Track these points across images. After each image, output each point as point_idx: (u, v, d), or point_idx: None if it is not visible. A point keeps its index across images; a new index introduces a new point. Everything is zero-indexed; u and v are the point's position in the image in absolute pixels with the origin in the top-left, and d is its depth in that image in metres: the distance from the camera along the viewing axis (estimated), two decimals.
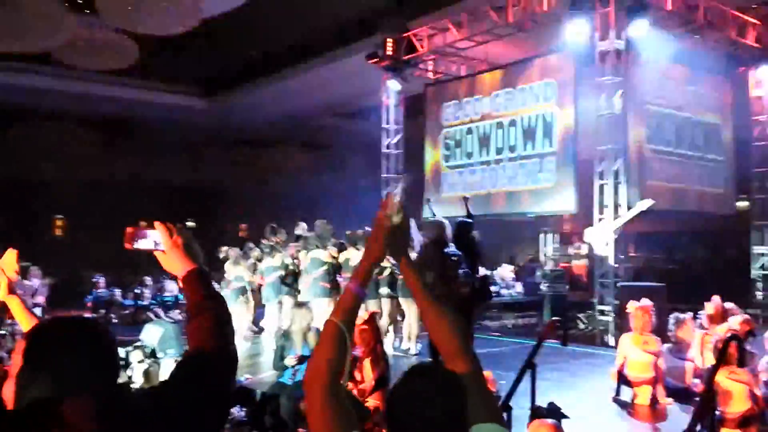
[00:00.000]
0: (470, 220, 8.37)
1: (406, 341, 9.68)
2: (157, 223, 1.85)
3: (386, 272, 9.66)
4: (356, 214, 13.51)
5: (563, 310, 11.30)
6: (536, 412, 3.98)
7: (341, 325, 1.67)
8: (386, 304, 9.65)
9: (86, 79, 16.34)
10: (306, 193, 23.05)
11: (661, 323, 8.37)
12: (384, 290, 9.67)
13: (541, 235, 16.76)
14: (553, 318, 8.69)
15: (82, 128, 19.84)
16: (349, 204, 16.69)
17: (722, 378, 5.67)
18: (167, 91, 18.37)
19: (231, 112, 19.24)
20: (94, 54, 13.67)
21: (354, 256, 9.73)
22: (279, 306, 10.77)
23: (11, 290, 2.44)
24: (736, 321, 6.09)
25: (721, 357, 3.50)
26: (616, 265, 10.62)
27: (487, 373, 5.78)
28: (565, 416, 4.22)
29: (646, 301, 6.76)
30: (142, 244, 1.84)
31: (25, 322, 2.41)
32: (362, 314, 5.81)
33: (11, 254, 2.47)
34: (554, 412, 4.14)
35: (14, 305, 2.42)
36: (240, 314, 11.09)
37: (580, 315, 11.69)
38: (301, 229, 11.24)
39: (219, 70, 17.12)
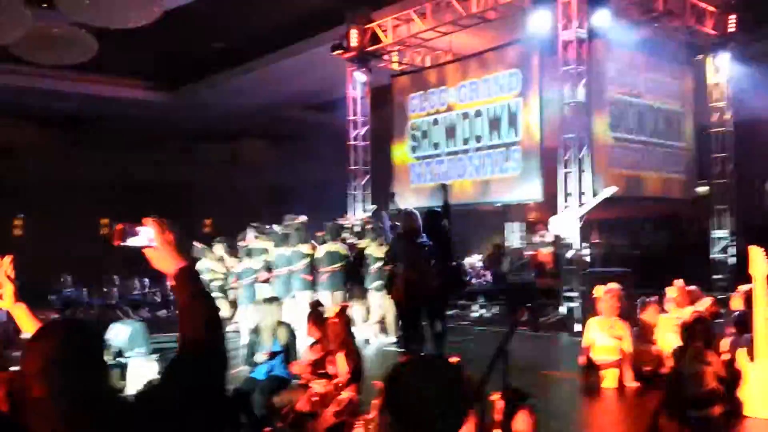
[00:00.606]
0: (439, 210, 8.40)
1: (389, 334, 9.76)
2: (148, 219, 1.81)
3: (376, 266, 9.68)
4: (324, 206, 13.52)
5: (530, 298, 11.42)
6: (506, 397, 4.02)
7: None
8: (376, 298, 9.66)
9: (45, 75, 15.98)
10: (273, 186, 22.94)
11: (629, 308, 8.55)
12: (375, 284, 9.67)
13: (507, 224, 16.93)
14: (525, 305, 8.81)
15: (41, 125, 19.41)
16: (316, 196, 16.66)
17: (688, 359, 5.81)
18: (129, 86, 18.04)
19: (195, 105, 18.99)
20: (52, 49, 13.37)
21: (331, 248, 9.75)
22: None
23: (17, 297, 2.36)
24: (704, 303, 6.22)
25: (688, 339, 3.57)
26: (582, 252, 10.76)
27: (455, 359, 5.83)
28: (529, 396, 4.27)
29: (614, 286, 6.87)
30: (132, 241, 1.79)
31: (31, 329, 2.35)
32: (333, 308, 5.81)
33: (8, 259, 2.42)
34: (519, 396, 4.19)
35: (21, 313, 2.37)
36: None
37: (547, 302, 11.83)
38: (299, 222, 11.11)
39: (181, 64, 16.86)
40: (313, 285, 10.07)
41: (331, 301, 9.56)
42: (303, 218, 11.38)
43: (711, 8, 12.87)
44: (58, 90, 16.87)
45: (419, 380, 1.51)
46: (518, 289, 11.85)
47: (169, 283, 1.83)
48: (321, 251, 10.06)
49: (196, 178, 22.40)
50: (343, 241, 10.64)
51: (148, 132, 20.21)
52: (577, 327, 10.07)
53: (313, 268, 10.15)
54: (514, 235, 16.30)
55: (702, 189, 14.54)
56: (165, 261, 1.79)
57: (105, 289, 13.99)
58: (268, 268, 10.40)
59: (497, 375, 4.24)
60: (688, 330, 3.58)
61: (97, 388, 1.56)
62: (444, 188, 8.61)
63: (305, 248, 10.05)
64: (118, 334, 8.40)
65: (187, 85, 18.37)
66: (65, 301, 13.83)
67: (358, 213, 14.26)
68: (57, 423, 1.50)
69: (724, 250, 13.60)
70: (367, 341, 9.77)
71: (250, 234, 11.31)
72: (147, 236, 1.79)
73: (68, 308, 13.46)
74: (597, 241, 17.34)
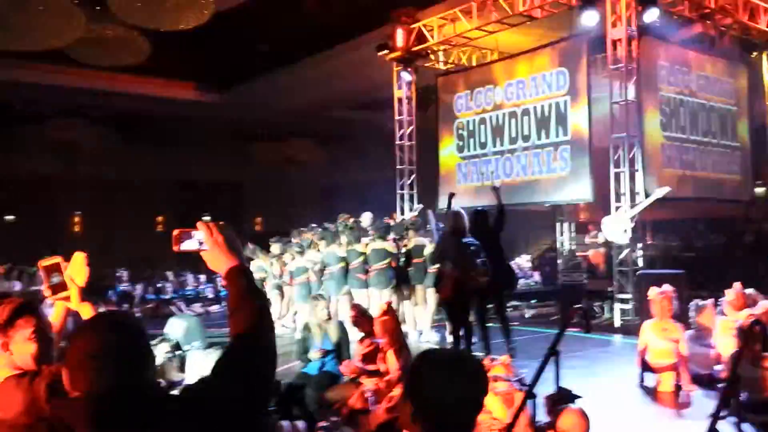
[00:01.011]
0: (486, 209, 8.36)
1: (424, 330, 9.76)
2: (199, 223, 1.88)
3: (384, 262, 9.69)
4: (372, 205, 13.58)
5: (581, 299, 11.28)
6: (552, 398, 4.01)
7: None
8: (387, 295, 9.68)
9: (99, 77, 16.44)
10: (322, 186, 23.17)
11: (682, 310, 8.38)
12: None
13: (558, 225, 16.71)
14: (576, 306, 8.68)
15: (97, 125, 19.97)
16: (365, 195, 16.76)
17: (747, 364, 5.68)
18: (180, 87, 18.43)
19: (245, 106, 19.30)
20: (105, 50, 13.77)
21: (377, 246, 9.85)
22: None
23: (83, 297, 2.41)
24: (762, 307, 6.07)
25: (745, 342, 3.50)
26: (635, 253, 10.59)
27: (504, 358, 5.82)
28: (578, 397, 4.25)
29: (667, 287, 6.75)
30: (187, 245, 1.87)
31: None
32: (381, 305, 5.85)
33: (80, 258, 2.42)
34: (567, 396, 4.17)
35: (86, 312, 2.36)
36: None
37: (599, 304, 11.66)
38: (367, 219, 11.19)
39: (231, 65, 17.14)
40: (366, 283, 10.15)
41: (380, 298, 9.68)
42: (367, 215, 11.48)
43: (764, 4, 12.51)
44: (113, 90, 17.33)
45: (440, 372, 1.58)
46: (569, 290, 11.74)
47: (222, 282, 1.88)
48: (368, 249, 10.11)
49: (247, 177, 22.80)
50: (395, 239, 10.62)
51: (201, 132, 20.64)
52: (631, 329, 9.92)
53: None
54: (564, 236, 16.07)
55: (760, 189, 14.15)
56: (217, 261, 1.85)
57: (159, 285, 14.31)
58: (322, 266, 10.49)
59: (549, 375, 4.25)
60: (745, 334, 3.50)
61: (136, 382, 1.58)
62: (495, 190, 8.54)
63: (360, 247, 10.09)
64: (175, 328, 8.65)
65: (237, 86, 18.68)
66: (121, 296, 14.20)
67: (405, 212, 14.28)
68: (90, 417, 1.53)
69: None
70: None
71: (304, 233, 11.43)
72: (199, 239, 1.86)
73: (123, 303, 13.84)
74: (651, 242, 17.03)
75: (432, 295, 9.58)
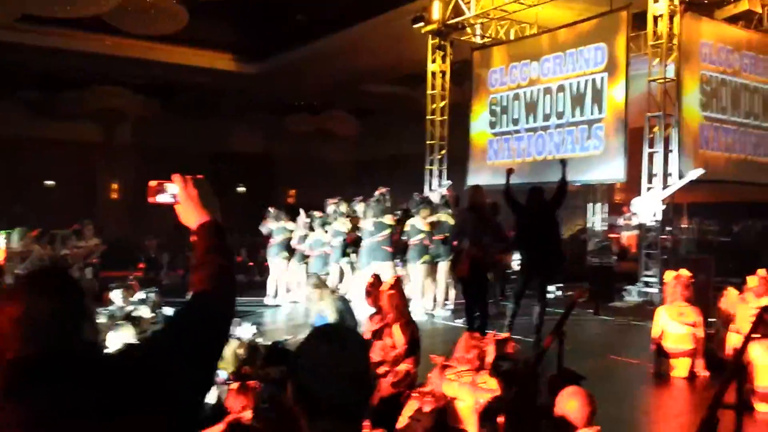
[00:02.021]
0: (541, 187, 8.11)
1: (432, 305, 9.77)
2: (174, 176, 1.85)
3: (418, 237, 9.63)
4: (405, 180, 13.54)
5: (608, 281, 11.08)
6: (555, 380, 3.94)
7: None
8: (421, 270, 9.63)
9: (136, 45, 16.61)
10: (357, 159, 23.15)
11: (708, 295, 8.17)
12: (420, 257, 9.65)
13: (589, 205, 16.43)
14: (584, 286, 8.55)
15: (135, 92, 20.24)
16: (398, 170, 16.71)
17: (762, 352, 5.51)
18: (216, 57, 18.49)
19: (280, 77, 19.29)
20: (143, 19, 13.88)
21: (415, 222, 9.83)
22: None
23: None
24: None
25: (754, 329, 3.37)
26: (665, 236, 10.33)
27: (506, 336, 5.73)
28: (583, 378, 4.17)
29: (683, 272, 6.57)
30: (162, 198, 1.85)
31: None
32: (388, 279, 5.82)
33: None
34: (571, 378, 4.10)
35: None
36: (281, 270, 11.31)
37: (627, 287, 11.45)
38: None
39: (268, 35, 17.12)
40: (394, 256, 10.11)
41: (414, 272, 9.70)
42: (383, 190, 11.42)
43: None
44: (151, 59, 17.50)
45: (320, 351, 1.49)
46: (596, 271, 11.53)
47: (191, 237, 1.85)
48: (407, 224, 10.03)
49: (282, 149, 22.89)
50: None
51: (236, 103, 20.75)
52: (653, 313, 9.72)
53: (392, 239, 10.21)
54: (596, 217, 15.80)
55: None
56: (188, 215, 1.82)
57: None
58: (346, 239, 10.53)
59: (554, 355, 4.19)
60: (756, 320, 3.38)
61: (65, 346, 1.52)
62: (563, 163, 8.05)
63: (388, 219, 10.04)
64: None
65: (272, 57, 18.67)
66: (148, 263, 14.46)
67: (434, 187, 14.18)
68: (3, 383, 1.47)
69: None
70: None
71: (330, 207, 11.45)
72: (173, 192, 1.83)
73: (151, 271, 14.10)
74: (687, 225, 16.62)
75: (443, 272, 9.55)
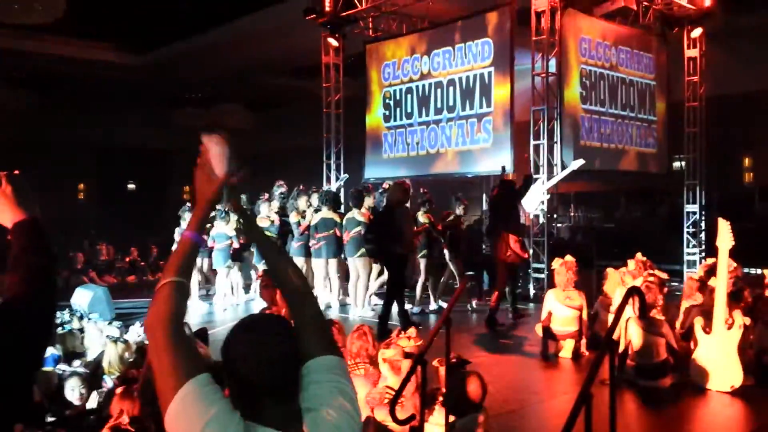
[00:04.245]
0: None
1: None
2: None
3: (356, 230, 9.63)
4: (304, 174, 13.41)
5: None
6: (452, 367, 4.05)
7: (178, 280, 1.65)
8: (360, 263, 9.62)
9: (15, 36, 15.63)
10: (253, 154, 22.74)
11: (590, 279, 8.61)
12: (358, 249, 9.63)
13: (484, 195, 16.91)
14: (468, 274, 8.90)
15: (11, 86, 19.03)
16: (296, 164, 16.54)
17: (639, 330, 5.86)
18: (99, 48, 17.65)
19: (168, 69, 18.68)
20: (18, 8, 13.10)
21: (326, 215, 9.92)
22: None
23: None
24: (644, 277, 6.29)
25: (622, 306, 3.58)
26: (551, 225, 10.78)
27: (411, 330, 5.82)
28: (467, 362, 4.30)
29: (568, 258, 6.90)
30: None
31: None
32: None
33: None
34: (458, 363, 4.22)
35: None
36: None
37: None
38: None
39: (154, 25, 16.50)
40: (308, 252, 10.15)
41: (353, 265, 9.73)
42: (281, 182, 11.38)
43: None
44: (30, 51, 16.51)
45: (245, 339, 1.57)
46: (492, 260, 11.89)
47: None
48: (316, 218, 9.98)
49: (175, 144, 22.15)
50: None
51: (123, 96, 19.90)
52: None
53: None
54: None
55: (677, 163, 14.60)
56: (2, 214, 1.73)
57: (71, 254, 13.83)
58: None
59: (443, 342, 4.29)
60: (624, 298, 3.60)
61: None
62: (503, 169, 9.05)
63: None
64: (81, 298, 8.38)
65: (161, 49, 18.03)
66: None
67: (332, 181, 14.16)
68: None
69: (694, 224, 13.69)
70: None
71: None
72: None
73: None
74: (573, 214, 17.47)
75: (364, 268, 9.63)
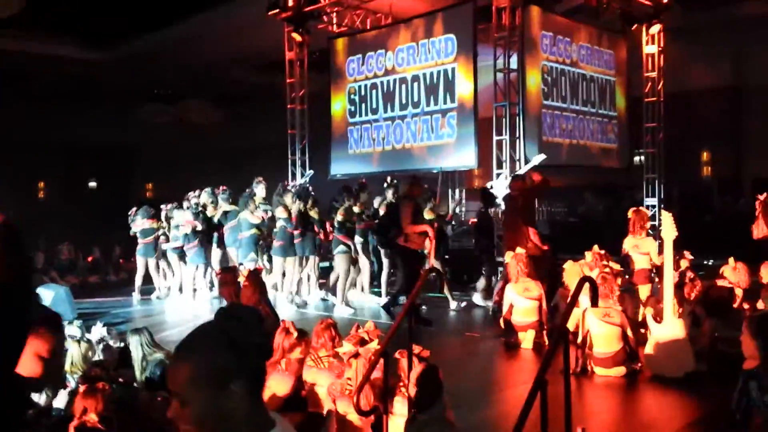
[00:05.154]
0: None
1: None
2: None
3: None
4: (266, 170, 13.36)
5: (468, 263, 11.60)
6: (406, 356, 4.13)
7: None
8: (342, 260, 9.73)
9: None
10: (219, 149, 22.58)
11: (555, 272, 8.78)
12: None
13: (449, 190, 17.09)
14: (428, 268, 8.98)
15: None
16: (258, 159, 16.48)
17: (596, 320, 6.02)
18: (60, 43, 17.32)
19: (133, 64, 18.43)
20: None
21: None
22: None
23: None
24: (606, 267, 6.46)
25: (574, 297, 3.71)
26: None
27: (369, 325, 5.91)
28: (425, 354, 4.39)
29: (519, 250, 7.05)
30: None
31: None
32: (244, 272, 5.78)
33: None
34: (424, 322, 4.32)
35: None
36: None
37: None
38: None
39: (116, 19, 16.24)
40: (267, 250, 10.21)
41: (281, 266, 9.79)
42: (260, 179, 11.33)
43: None
44: None
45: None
46: (458, 254, 12.07)
47: None
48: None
49: (138, 139, 21.88)
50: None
51: (86, 91, 19.57)
52: None
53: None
54: (454, 203, 16.39)
55: (638, 158, 14.90)
56: None
57: (30, 254, 13.59)
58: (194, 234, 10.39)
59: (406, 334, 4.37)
60: (576, 287, 3.73)
61: None
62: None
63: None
64: (42, 298, 8.28)
65: (124, 43, 17.77)
66: None
67: (297, 177, 14.16)
68: None
69: (653, 217, 13.99)
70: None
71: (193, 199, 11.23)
72: None
73: None
74: (538, 207, 17.70)
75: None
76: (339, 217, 9.73)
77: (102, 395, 3.97)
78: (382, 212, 10.29)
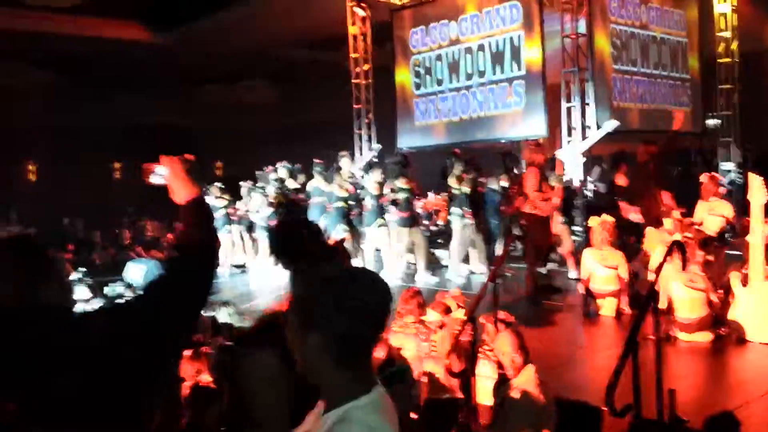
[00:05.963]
0: None
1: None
2: (162, 157, 1.96)
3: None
4: (328, 146, 13.53)
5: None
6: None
7: None
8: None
9: (40, 18, 15.83)
10: (280, 128, 22.91)
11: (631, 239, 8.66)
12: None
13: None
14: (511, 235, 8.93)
15: (40, 68, 19.31)
16: (319, 136, 16.64)
17: (680, 286, 5.96)
18: (125, 27, 17.75)
19: (192, 46, 18.74)
20: None
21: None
22: None
23: None
24: (681, 231, 6.36)
25: (662, 264, 3.69)
26: (587, 186, 10.81)
27: (455, 291, 6.01)
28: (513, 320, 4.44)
29: (606, 217, 6.98)
30: (153, 179, 1.96)
31: None
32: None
33: None
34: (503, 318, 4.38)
35: None
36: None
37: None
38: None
39: (176, 2, 16.55)
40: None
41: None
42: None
43: None
44: (53, 32, 16.68)
45: (353, 288, 1.49)
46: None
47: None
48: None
49: (201, 121, 22.36)
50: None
51: (149, 74, 20.06)
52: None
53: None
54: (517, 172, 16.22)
55: (711, 122, 14.43)
56: (178, 193, 1.92)
57: (117, 231, 14.21)
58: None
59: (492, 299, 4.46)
60: (666, 254, 3.71)
61: (18, 301, 1.64)
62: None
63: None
64: (134, 271, 8.73)
65: (182, 26, 18.07)
66: (79, 243, 14.07)
67: (364, 152, 14.28)
68: None
69: (731, 182, 13.58)
70: None
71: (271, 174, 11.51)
72: (161, 173, 1.95)
73: (83, 251, 13.73)
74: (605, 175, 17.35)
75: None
76: (454, 185, 9.50)
77: (206, 358, 4.21)
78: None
